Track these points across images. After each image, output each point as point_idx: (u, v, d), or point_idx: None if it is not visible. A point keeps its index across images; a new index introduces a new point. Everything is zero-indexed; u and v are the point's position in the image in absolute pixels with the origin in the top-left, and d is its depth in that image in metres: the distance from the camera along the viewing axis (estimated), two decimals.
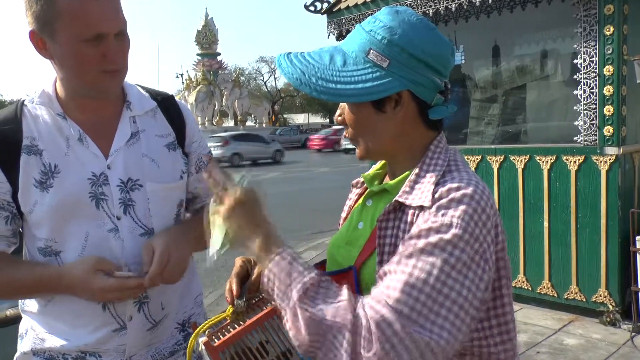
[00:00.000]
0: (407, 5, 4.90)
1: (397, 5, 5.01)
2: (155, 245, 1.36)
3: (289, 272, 0.99)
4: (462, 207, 0.99)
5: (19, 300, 1.50)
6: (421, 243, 0.97)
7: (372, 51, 1.08)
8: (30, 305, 1.45)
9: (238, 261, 1.30)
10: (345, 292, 0.98)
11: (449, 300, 0.93)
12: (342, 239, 1.23)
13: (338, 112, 1.20)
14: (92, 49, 1.27)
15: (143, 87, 1.56)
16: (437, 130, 1.17)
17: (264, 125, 42.92)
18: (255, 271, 1.27)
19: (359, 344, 0.91)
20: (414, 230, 1.00)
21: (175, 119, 1.54)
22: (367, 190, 1.25)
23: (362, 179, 1.33)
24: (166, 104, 1.55)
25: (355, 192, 1.34)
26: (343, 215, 1.34)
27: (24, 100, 1.43)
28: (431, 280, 0.94)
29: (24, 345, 1.47)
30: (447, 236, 0.96)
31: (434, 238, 0.97)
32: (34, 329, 1.45)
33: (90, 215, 1.36)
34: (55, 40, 1.28)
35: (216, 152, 23.86)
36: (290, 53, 1.16)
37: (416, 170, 1.11)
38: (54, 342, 1.41)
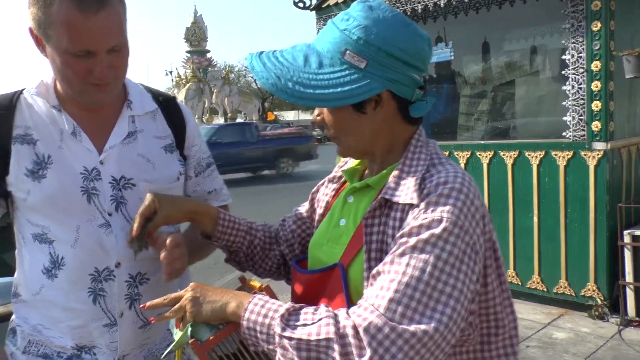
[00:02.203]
0: (396, 2, 4.90)
1: (386, 2, 5.00)
2: (164, 234, 1.33)
3: (265, 314, 0.99)
4: (451, 202, 0.99)
5: (12, 290, 1.49)
6: (412, 240, 0.97)
7: (348, 52, 1.06)
8: (23, 293, 1.44)
9: (148, 198, 1.29)
10: (322, 309, 0.98)
11: (444, 295, 0.93)
12: (324, 236, 1.22)
13: (316, 112, 1.17)
14: (80, 62, 1.26)
15: (146, 87, 1.55)
16: (417, 124, 1.16)
17: (254, 122, 42.72)
18: (160, 214, 1.27)
19: (350, 353, 0.90)
20: (405, 228, 1.00)
21: (176, 122, 1.53)
22: (348, 186, 1.23)
23: (339, 174, 1.31)
24: (168, 106, 1.54)
25: (332, 187, 1.33)
26: (320, 211, 1.32)
27: (23, 90, 1.42)
28: (425, 276, 0.94)
29: (17, 341, 1.46)
30: (438, 231, 0.96)
31: (425, 234, 0.97)
32: (27, 322, 1.44)
33: (82, 209, 1.35)
34: (48, 44, 1.27)
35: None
36: (262, 53, 1.13)
37: (399, 166, 1.10)
38: (48, 333, 1.40)
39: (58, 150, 1.36)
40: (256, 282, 1.18)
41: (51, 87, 1.40)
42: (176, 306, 1.09)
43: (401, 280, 0.94)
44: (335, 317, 0.95)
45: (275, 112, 55.52)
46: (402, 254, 0.97)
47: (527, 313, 4.39)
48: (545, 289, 4.45)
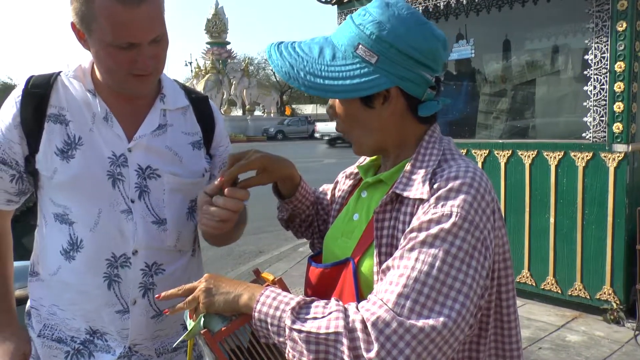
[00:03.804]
0: None
1: None
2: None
3: (276, 306, 1.00)
4: (462, 196, 0.99)
5: (29, 269, 1.52)
6: (422, 235, 0.97)
7: (360, 46, 1.07)
8: (41, 271, 1.47)
9: (254, 154, 1.29)
10: (332, 303, 0.98)
11: (454, 290, 0.93)
12: (338, 230, 1.23)
13: (329, 104, 1.19)
14: (123, 54, 1.29)
15: (179, 84, 1.57)
16: (430, 123, 1.16)
17: (272, 115, 42.86)
18: (264, 173, 1.30)
19: (358, 347, 0.91)
20: (415, 223, 1.00)
21: (206, 121, 1.55)
22: (362, 181, 1.25)
23: (355, 170, 1.33)
24: (199, 104, 1.56)
25: (349, 183, 1.34)
26: (336, 207, 1.33)
27: (61, 71, 1.46)
28: (434, 271, 0.94)
29: (32, 324, 1.49)
30: (447, 226, 0.96)
31: (434, 229, 0.97)
32: (42, 303, 1.47)
33: (106, 193, 1.38)
34: (90, 37, 1.30)
35: None
36: (281, 43, 1.15)
37: (411, 161, 1.11)
38: (62, 315, 1.43)
39: (89, 133, 1.39)
40: (269, 275, 1.19)
41: (88, 72, 1.43)
42: (190, 297, 1.10)
43: (410, 275, 0.94)
44: (345, 311, 0.95)
45: (293, 106, 55.58)
46: (411, 249, 0.97)
47: (540, 314, 4.35)
48: (559, 291, 4.41)
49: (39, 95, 1.40)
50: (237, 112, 43.14)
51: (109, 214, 1.38)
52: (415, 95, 1.10)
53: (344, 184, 1.36)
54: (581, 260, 4.26)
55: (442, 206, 0.99)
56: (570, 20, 4.56)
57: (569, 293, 4.35)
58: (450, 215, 0.97)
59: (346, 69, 1.07)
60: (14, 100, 1.41)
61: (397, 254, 0.99)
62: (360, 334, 0.91)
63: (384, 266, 1.00)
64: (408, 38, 1.05)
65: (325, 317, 0.95)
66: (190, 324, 1.12)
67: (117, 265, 1.39)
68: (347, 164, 1.46)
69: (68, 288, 1.41)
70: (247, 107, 40.13)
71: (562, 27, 4.78)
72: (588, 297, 4.24)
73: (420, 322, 0.90)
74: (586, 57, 4.13)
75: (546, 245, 4.45)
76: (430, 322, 0.90)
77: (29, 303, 1.52)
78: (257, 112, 43.85)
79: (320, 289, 1.16)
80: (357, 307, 0.96)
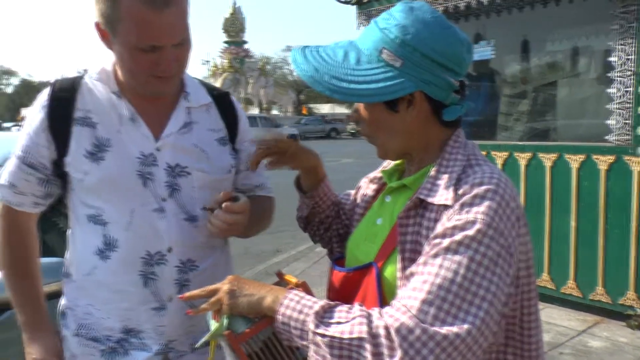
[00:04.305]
0: None
1: None
2: (240, 195, 1.42)
3: (300, 310, 1.00)
4: (486, 203, 0.98)
5: (62, 270, 1.54)
6: (446, 242, 0.97)
7: (385, 50, 1.07)
8: (74, 273, 1.49)
9: (285, 138, 1.38)
10: (356, 308, 0.98)
11: (478, 297, 0.93)
12: (361, 235, 1.23)
13: (353, 108, 1.19)
14: (146, 56, 1.30)
15: (200, 81, 1.59)
16: (454, 127, 1.15)
17: (288, 114, 42.93)
18: (292, 158, 1.37)
19: (381, 353, 0.91)
20: (439, 229, 1.00)
21: (229, 116, 1.57)
22: (386, 186, 1.24)
23: (379, 174, 1.32)
24: (221, 101, 1.58)
25: (372, 187, 1.34)
26: (360, 211, 1.33)
27: (84, 74, 1.48)
28: (458, 278, 0.93)
29: (68, 324, 1.51)
30: (472, 233, 0.96)
31: (458, 236, 0.96)
32: (77, 304, 1.49)
33: (137, 193, 1.40)
34: (115, 38, 1.31)
35: None
36: (305, 47, 1.16)
37: (435, 166, 1.10)
38: (97, 314, 1.45)
39: (117, 135, 1.41)
40: (292, 278, 1.19)
41: (111, 74, 1.44)
42: (213, 298, 1.11)
43: (434, 282, 0.94)
44: (369, 316, 0.95)
45: (310, 105, 55.63)
46: (435, 255, 0.97)
47: (560, 319, 4.30)
48: (580, 295, 4.35)
49: (64, 99, 1.42)
50: (254, 111, 43.27)
51: (141, 213, 1.40)
52: (439, 99, 1.09)
53: (367, 188, 1.36)
54: (603, 264, 4.20)
55: (466, 212, 0.98)
56: (593, 22, 4.50)
57: (591, 297, 4.29)
58: (474, 222, 0.97)
59: (371, 72, 1.07)
60: (40, 104, 1.43)
61: (420, 260, 0.99)
62: (383, 340, 0.91)
63: (407, 272, 1.00)
64: (432, 42, 1.05)
65: (349, 322, 0.95)
66: (212, 324, 1.12)
67: (153, 263, 1.41)
68: (364, 164, 1.48)
69: (103, 287, 1.43)
70: (264, 106, 40.21)
71: (585, 29, 4.71)
72: (610, 302, 4.18)
73: (444, 329, 0.90)
74: (609, 59, 4.07)
75: (567, 249, 4.40)
76: (454, 329, 0.90)
77: (63, 303, 1.54)
78: (274, 111, 43.96)
79: (343, 293, 1.16)
80: (380, 313, 0.96)
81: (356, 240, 1.24)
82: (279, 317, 1.01)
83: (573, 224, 4.34)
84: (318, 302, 1.00)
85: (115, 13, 1.26)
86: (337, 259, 1.31)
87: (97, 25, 1.33)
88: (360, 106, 1.16)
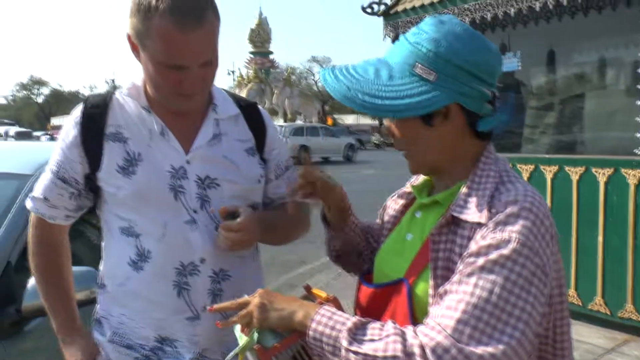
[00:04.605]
0: (465, 9, 4.82)
1: (455, 9, 4.90)
2: (243, 211, 1.43)
3: (332, 326, 1.00)
4: (521, 222, 0.98)
5: (97, 281, 1.59)
6: (481, 261, 0.96)
7: (418, 64, 1.07)
8: (108, 284, 1.53)
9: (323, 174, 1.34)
10: (389, 325, 0.98)
11: (513, 317, 0.92)
12: (390, 250, 1.23)
13: (385, 124, 1.19)
14: (171, 74, 1.33)
15: (228, 92, 1.62)
16: (487, 139, 1.15)
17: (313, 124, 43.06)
18: (328, 196, 1.35)
19: None
20: (473, 247, 0.99)
21: (257, 126, 1.59)
22: (416, 201, 1.24)
23: (408, 189, 1.32)
24: (249, 111, 1.60)
25: (400, 202, 1.33)
26: (388, 226, 1.33)
27: (115, 90, 1.53)
28: (494, 298, 0.93)
29: (104, 331, 1.55)
30: (507, 252, 0.95)
31: (493, 255, 0.96)
32: (111, 314, 1.52)
33: (169, 206, 1.43)
34: (143, 52, 1.34)
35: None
36: (334, 68, 1.16)
37: (468, 183, 1.10)
38: (131, 324, 1.48)
39: (147, 149, 1.44)
40: (322, 292, 1.20)
41: (141, 89, 1.48)
42: (243, 311, 1.11)
43: (469, 301, 0.93)
44: (403, 335, 0.95)
45: (335, 116, 55.72)
46: (470, 274, 0.96)
47: (588, 336, 4.21)
48: (608, 312, 4.26)
49: (96, 115, 1.46)
50: (279, 121, 43.54)
51: (174, 225, 1.42)
52: (474, 110, 1.10)
53: (396, 203, 1.35)
54: (633, 281, 4.10)
55: (501, 231, 0.98)
56: (622, 33, 4.43)
57: (619, 315, 4.19)
58: (509, 241, 0.96)
59: (405, 87, 1.07)
60: (73, 121, 1.48)
61: (455, 278, 0.99)
62: (418, 359, 0.91)
63: (441, 290, 1.00)
64: (465, 53, 1.06)
65: (383, 339, 0.95)
66: (241, 337, 1.13)
67: (186, 274, 1.43)
68: (385, 175, 1.46)
69: (137, 297, 1.46)
70: (289, 116, 40.41)
71: (613, 40, 4.65)
72: None
73: (480, 349, 0.90)
74: (639, 70, 4.00)
75: (594, 265, 4.31)
76: (490, 349, 0.90)
77: (98, 312, 1.59)
78: (299, 122, 44.17)
79: (372, 309, 1.16)
80: (415, 332, 0.95)
81: (385, 256, 1.24)
82: (311, 333, 1.01)
83: (600, 239, 4.26)
84: (350, 319, 1.00)
85: (145, 29, 1.29)
86: (365, 274, 1.30)
87: (129, 37, 1.37)
88: (394, 122, 1.15)
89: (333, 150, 26.92)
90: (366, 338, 0.96)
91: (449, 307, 0.95)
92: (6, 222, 2.19)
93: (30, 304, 1.94)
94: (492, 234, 0.98)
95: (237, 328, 1.15)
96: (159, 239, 1.42)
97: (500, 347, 0.90)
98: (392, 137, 1.18)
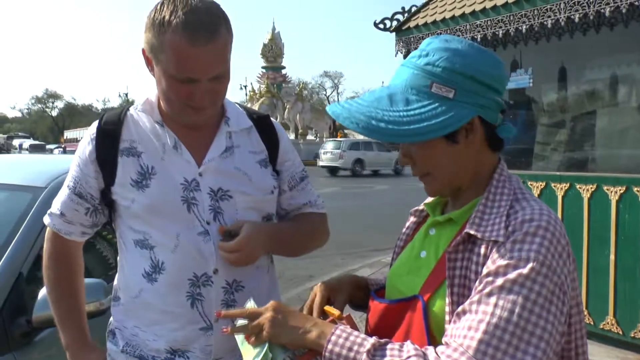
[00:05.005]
0: (477, 26, 4.84)
1: (467, 25, 4.91)
2: (244, 229, 1.44)
3: (349, 347, 1.00)
4: (538, 240, 0.98)
5: (113, 293, 1.62)
6: (500, 280, 0.97)
7: (434, 84, 1.07)
8: (122, 296, 1.55)
9: (319, 290, 1.32)
10: (409, 346, 0.98)
11: (535, 336, 0.93)
12: (403, 267, 1.22)
13: (402, 152, 1.17)
14: (182, 87, 1.36)
15: (240, 105, 1.65)
16: (500, 150, 1.16)
17: (324, 139, 43.12)
18: (339, 300, 1.31)
19: None
20: (491, 267, 0.99)
21: (269, 138, 1.61)
22: (430, 218, 1.24)
23: (421, 207, 1.32)
24: (262, 123, 1.62)
25: (413, 220, 1.33)
26: (400, 243, 1.33)
27: (130, 106, 1.56)
28: (514, 318, 0.93)
29: (117, 342, 1.56)
30: (526, 271, 0.96)
31: (512, 274, 0.96)
32: (124, 326, 1.54)
33: (182, 218, 1.45)
34: (156, 66, 1.38)
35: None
36: (339, 102, 1.16)
37: (483, 200, 1.10)
38: (143, 336, 1.50)
39: (160, 162, 1.47)
40: (334, 310, 1.20)
41: (155, 105, 1.51)
42: (255, 323, 1.11)
43: (490, 321, 0.94)
44: (425, 356, 0.95)
45: (345, 131, 55.83)
46: (489, 294, 0.97)
47: (600, 356, 4.15)
48: (621, 332, 4.20)
49: (111, 131, 1.50)
50: (290, 135, 43.59)
51: (187, 237, 1.44)
52: (492, 121, 1.11)
53: (408, 220, 1.35)
54: None
55: (518, 250, 0.98)
56: (634, 49, 4.42)
57: (632, 335, 4.13)
58: (528, 260, 0.97)
59: (425, 110, 1.07)
60: (89, 137, 1.52)
61: (474, 298, 0.99)
62: None
63: (459, 309, 1.00)
64: (477, 65, 1.08)
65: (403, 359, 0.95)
66: (243, 345, 1.13)
67: (199, 285, 1.45)
68: (398, 190, 1.46)
69: (151, 308, 1.48)
70: (300, 131, 40.52)
71: (626, 56, 4.64)
72: None
73: None
74: None
75: (605, 283, 4.26)
76: None
77: (112, 323, 1.61)
78: (310, 137, 44.24)
79: (384, 324, 1.16)
80: (437, 352, 0.96)
81: (398, 273, 1.24)
82: (327, 354, 1.01)
83: (612, 257, 4.21)
84: (368, 339, 1.00)
85: (159, 43, 1.33)
86: (376, 290, 1.30)
87: (144, 51, 1.41)
88: (415, 146, 1.13)
89: (384, 164, 28.08)
90: (386, 359, 0.97)
91: (470, 327, 0.95)
92: (19, 233, 2.22)
93: (41, 315, 1.95)
94: (509, 252, 0.99)
95: (242, 336, 1.16)
96: (172, 250, 1.44)
97: None
98: (411, 163, 1.16)
